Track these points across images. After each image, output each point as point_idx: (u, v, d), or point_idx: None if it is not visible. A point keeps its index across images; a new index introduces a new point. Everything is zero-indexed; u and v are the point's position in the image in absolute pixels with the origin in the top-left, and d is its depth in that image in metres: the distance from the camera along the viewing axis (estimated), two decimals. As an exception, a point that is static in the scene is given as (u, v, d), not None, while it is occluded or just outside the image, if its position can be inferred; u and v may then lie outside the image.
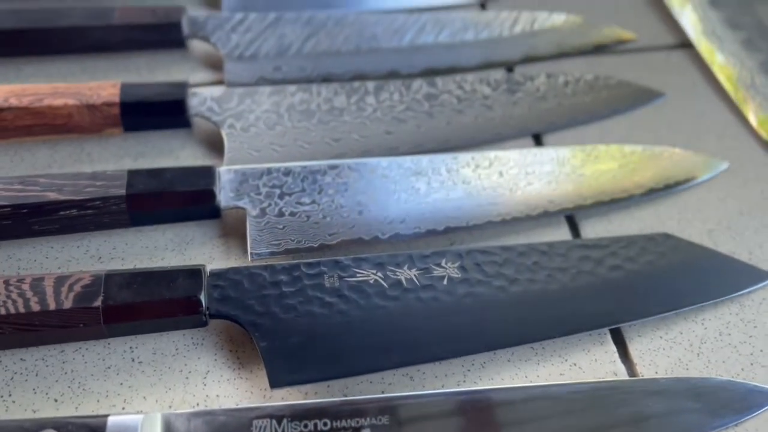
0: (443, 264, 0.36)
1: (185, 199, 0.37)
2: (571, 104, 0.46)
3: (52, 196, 0.35)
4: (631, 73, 0.49)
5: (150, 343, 0.33)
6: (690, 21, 0.52)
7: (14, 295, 0.31)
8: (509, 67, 0.49)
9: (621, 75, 0.48)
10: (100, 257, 0.37)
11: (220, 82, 0.46)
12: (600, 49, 0.50)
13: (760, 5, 0.54)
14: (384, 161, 0.40)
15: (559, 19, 0.51)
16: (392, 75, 0.47)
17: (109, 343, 0.33)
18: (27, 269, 0.36)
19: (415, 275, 0.35)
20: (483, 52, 0.49)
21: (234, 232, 0.38)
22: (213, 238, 0.38)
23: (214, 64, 0.47)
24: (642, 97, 0.47)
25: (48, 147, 0.42)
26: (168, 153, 0.42)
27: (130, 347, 0.33)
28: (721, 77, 0.49)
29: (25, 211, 0.35)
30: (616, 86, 0.47)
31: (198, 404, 0.31)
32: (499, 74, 0.48)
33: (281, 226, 0.37)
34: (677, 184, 0.42)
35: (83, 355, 0.33)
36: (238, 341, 0.34)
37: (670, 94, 0.48)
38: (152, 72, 0.46)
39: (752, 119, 0.46)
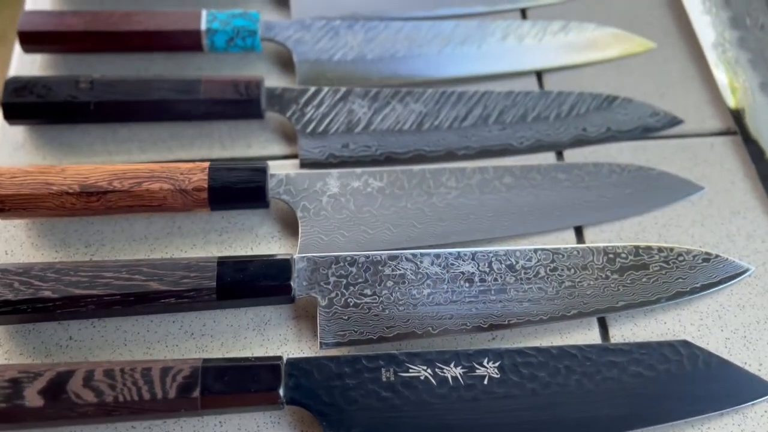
0: (485, 363, 0.42)
1: (266, 290, 0.43)
2: (614, 196, 0.50)
3: (154, 286, 0.42)
4: (675, 160, 0.52)
5: (236, 419, 0.41)
6: (738, 106, 0.55)
7: (128, 383, 0.38)
8: (559, 151, 0.53)
9: (664, 161, 0.52)
10: (192, 333, 0.44)
11: (294, 156, 0.52)
12: (647, 130, 0.54)
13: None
14: (437, 255, 0.45)
15: (611, 99, 0.55)
16: (449, 155, 0.52)
17: (202, 419, 0.41)
18: (132, 341, 0.43)
19: (459, 374, 0.41)
20: (535, 134, 0.53)
21: (305, 314, 0.45)
22: (287, 320, 0.44)
23: (289, 134, 0.52)
24: (682, 190, 0.51)
25: (144, 220, 0.48)
26: (248, 230, 0.48)
27: (220, 422, 0.41)
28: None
29: (132, 298, 0.42)
30: (657, 178, 0.51)
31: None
32: (548, 161, 0.52)
33: (346, 317, 0.43)
34: (703, 288, 0.47)
35: (181, 427, 0.41)
36: (310, 422, 0.41)
37: (709, 187, 0.51)
38: (233, 141, 0.52)
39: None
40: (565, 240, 0.49)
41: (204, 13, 0.54)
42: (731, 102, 0.55)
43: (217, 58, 0.56)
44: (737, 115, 0.55)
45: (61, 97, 0.50)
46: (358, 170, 0.50)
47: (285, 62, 0.57)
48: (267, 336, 0.44)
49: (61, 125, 0.52)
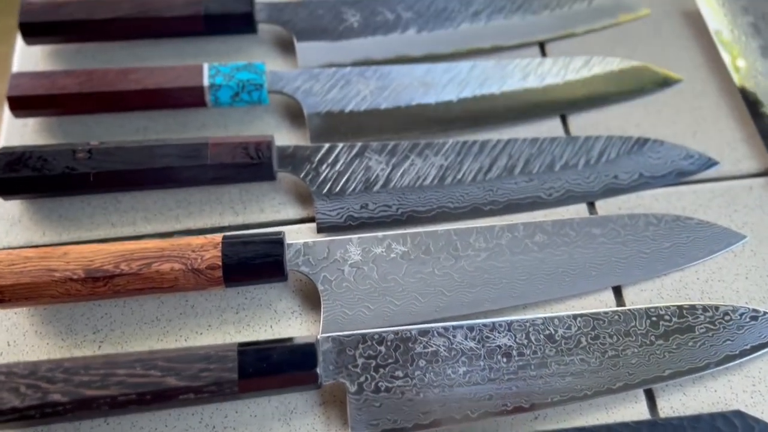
0: (530, 450, 0.39)
1: (291, 380, 0.40)
2: (652, 251, 0.48)
3: (171, 382, 0.39)
4: (712, 206, 0.50)
5: None
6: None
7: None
8: (590, 202, 0.50)
9: (701, 208, 0.50)
10: (213, 426, 0.41)
11: (310, 219, 0.49)
12: (682, 174, 0.52)
13: None
14: (470, 328, 0.43)
15: (641, 142, 0.52)
16: (475, 211, 0.49)
17: None
18: (149, 438, 0.41)
19: (504, 463, 0.39)
20: (564, 184, 0.50)
21: (333, 400, 0.42)
22: (314, 406, 0.42)
23: (303, 195, 0.50)
24: (723, 240, 0.48)
25: (155, 300, 0.45)
26: (267, 305, 0.45)
27: None
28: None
29: (148, 396, 0.39)
30: (696, 228, 0.49)
31: None
32: (580, 213, 0.49)
33: (378, 404, 0.41)
34: (753, 350, 0.44)
35: None
36: None
37: (751, 235, 0.49)
38: (245, 205, 0.49)
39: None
40: (604, 302, 0.46)
41: (205, 67, 0.51)
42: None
43: (221, 112, 0.53)
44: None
45: (58, 170, 0.47)
46: (380, 234, 0.47)
47: (294, 114, 0.54)
48: (293, 426, 0.41)
49: (60, 197, 0.49)
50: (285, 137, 0.53)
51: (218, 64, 0.52)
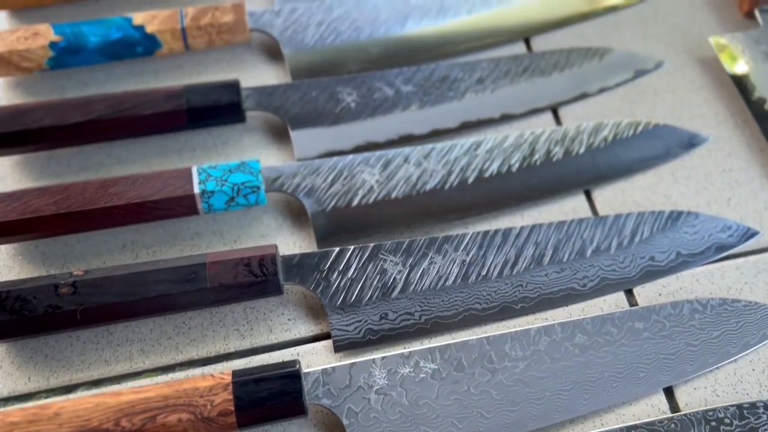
0: None
1: None
2: (701, 343, 0.44)
3: None
4: (758, 282, 0.46)
5: None
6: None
7: None
8: (629, 289, 0.47)
9: (747, 287, 0.46)
10: None
11: (324, 335, 0.45)
12: (721, 248, 0.48)
13: None
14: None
15: (675, 216, 0.48)
16: (505, 310, 0.45)
17: None
18: None
19: None
20: (598, 272, 0.46)
21: None
22: None
23: (314, 307, 0.45)
24: (774, 322, 0.46)
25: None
26: (286, 444, 0.41)
27: None
28: None
29: None
30: (745, 311, 0.45)
31: None
32: (618, 302, 0.45)
33: None
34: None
35: None
36: None
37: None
38: (251, 326, 0.44)
39: None
40: (656, 406, 0.42)
41: (194, 171, 0.47)
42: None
43: (215, 218, 0.49)
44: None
45: (39, 310, 0.42)
46: (406, 351, 0.43)
47: (295, 212, 0.49)
48: None
49: (46, 336, 0.44)
50: (288, 240, 0.48)
51: (208, 166, 0.47)
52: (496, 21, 0.57)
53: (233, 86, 0.51)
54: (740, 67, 0.55)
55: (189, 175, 0.47)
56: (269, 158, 0.51)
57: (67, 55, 0.53)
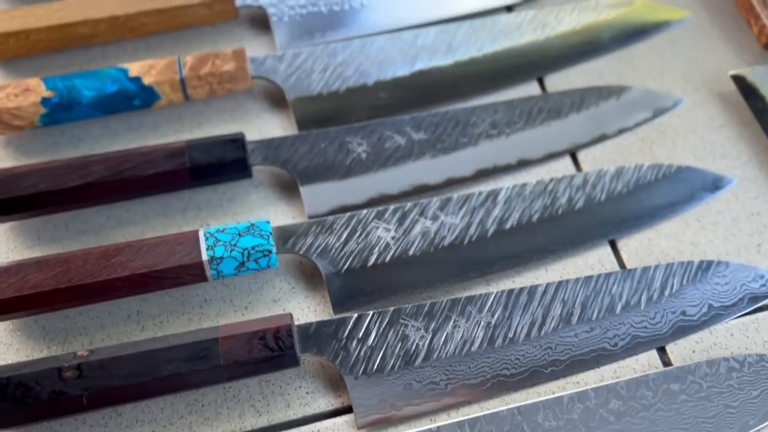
0: None
1: None
2: (740, 404, 0.42)
3: None
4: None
5: None
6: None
7: None
8: (661, 346, 0.45)
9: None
10: None
11: (345, 409, 0.42)
12: (755, 299, 0.46)
13: None
14: None
15: (704, 266, 0.46)
16: (534, 375, 0.43)
17: None
18: None
19: None
20: (629, 329, 0.44)
21: None
22: None
23: (333, 378, 0.43)
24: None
25: None
26: None
27: None
28: None
29: None
30: (784, 367, 0.44)
31: None
32: (651, 361, 0.43)
33: None
34: None
35: None
36: None
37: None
38: (267, 401, 0.42)
39: None
40: (697, 474, 0.41)
41: (201, 236, 0.44)
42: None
43: (225, 282, 0.46)
44: None
45: (43, 396, 0.39)
46: (434, 427, 0.40)
47: (309, 273, 0.46)
48: None
49: (50, 422, 0.42)
50: (302, 304, 0.46)
51: (215, 229, 0.45)
52: (507, 58, 0.56)
53: (238, 141, 0.48)
54: (761, 102, 0.53)
55: (196, 241, 0.45)
56: (278, 215, 0.49)
57: (60, 112, 0.50)
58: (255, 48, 0.56)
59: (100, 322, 0.45)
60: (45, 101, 0.50)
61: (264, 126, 0.53)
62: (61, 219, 0.48)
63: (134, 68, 0.51)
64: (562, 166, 0.51)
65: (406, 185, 0.50)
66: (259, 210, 0.49)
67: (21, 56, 0.55)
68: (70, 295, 0.43)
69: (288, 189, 0.50)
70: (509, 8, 0.59)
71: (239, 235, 0.45)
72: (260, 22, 0.58)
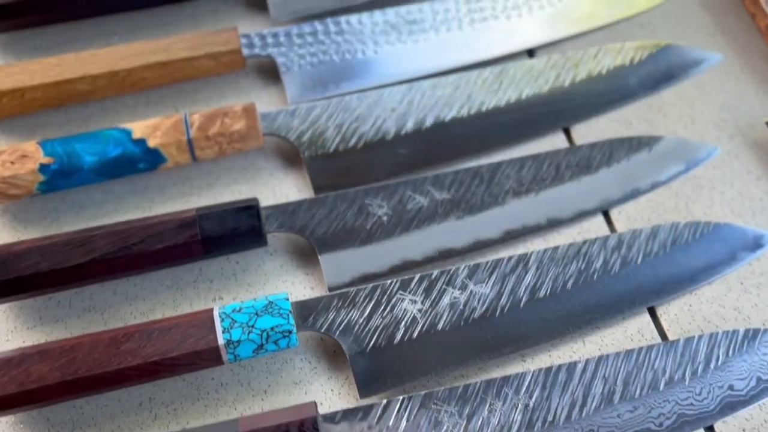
0: None
1: None
2: (796, 489, 0.40)
3: None
4: None
5: None
6: None
7: None
8: (709, 425, 0.41)
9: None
10: None
11: (375, 505, 0.40)
12: (800, 368, 0.44)
13: None
14: None
15: (750, 334, 0.44)
16: (574, 461, 0.41)
17: None
18: None
19: None
20: (674, 407, 0.41)
21: None
22: None
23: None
24: None
25: None
26: None
27: None
28: None
29: None
30: (841, 446, 0.41)
31: None
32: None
33: None
34: None
35: None
36: None
37: None
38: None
39: None
40: None
41: (216, 317, 0.41)
42: None
43: (242, 364, 0.43)
44: None
45: (51, 506, 0.37)
46: None
47: (331, 351, 0.43)
48: None
49: None
50: (325, 386, 0.43)
51: (231, 308, 0.41)
52: (531, 107, 0.53)
53: (252, 208, 0.45)
54: (798, 151, 0.51)
55: (211, 323, 0.41)
56: (296, 285, 0.46)
57: (60, 179, 0.47)
58: (265, 100, 0.54)
59: (109, 411, 0.42)
60: (44, 168, 0.47)
61: (278, 186, 0.50)
62: (64, 296, 0.45)
63: (138, 129, 0.48)
64: (595, 226, 0.49)
65: (430, 250, 0.47)
66: (275, 280, 0.47)
67: (16, 114, 0.52)
68: (77, 387, 0.40)
69: (306, 256, 0.47)
70: (530, 53, 0.57)
71: (257, 314, 0.42)
72: (269, 71, 0.55)
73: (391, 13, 0.57)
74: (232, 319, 0.42)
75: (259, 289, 0.46)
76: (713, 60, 0.56)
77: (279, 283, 0.47)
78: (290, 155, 0.51)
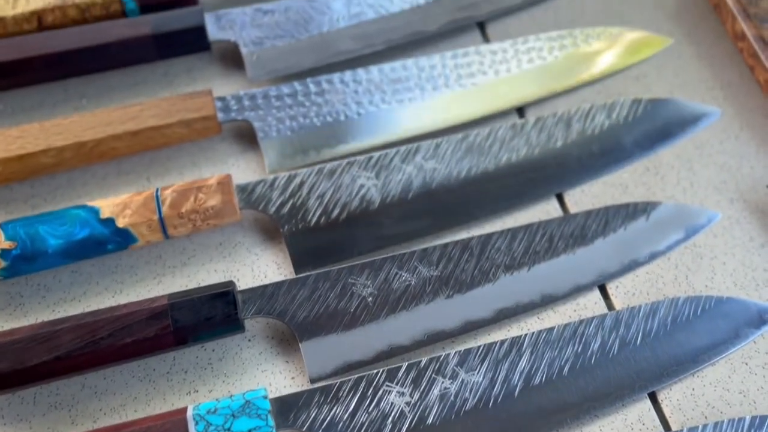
0: None
1: None
2: None
3: None
4: None
5: None
6: None
7: None
8: None
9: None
10: None
11: None
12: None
13: None
14: None
15: (758, 427, 0.42)
16: None
17: None
18: None
19: None
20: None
21: None
22: None
23: None
24: None
25: None
26: None
27: None
28: None
29: None
30: None
31: None
32: None
33: None
34: None
35: None
36: None
37: None
38: None
39: None
40: None
41: (190, 418, 0.38)
42: None
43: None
44: None
45: None
46: None
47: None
48: None
49: None
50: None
51: (205, 407, 0.38)
52: (522, 172, 0.50)
53: (228, 294, 0.42)
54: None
55: (184, 426, 0.39)
56: (275, 375, 0.43)
57: (22, 264, 0.44)
58: (242, 167, 0.51)
59: None
60: (4, 254, 0.44)
61: (256, 263, 0.47)
62: (28, 392, 0.42)
63: (106, 208, 0.45)
64: (591, 302, 0.46)
65: (418, 333, 0.45)
66: (253, 369, 0.44)
67: (-23, 188, 0.50)
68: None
69: (286, 341, 0.45)
70: (520, 110, 0.55)
71: (233, 416, 0.39)
72: (246, 135, 0.52)
73: (374, 71, 0.54)
74: (207, 421, 0.39)
75: (236, 379, 0.44)
76: (712, 116, 0.54)
77: (258, 372, 0.44)
78: (269, 228, 0.48)
